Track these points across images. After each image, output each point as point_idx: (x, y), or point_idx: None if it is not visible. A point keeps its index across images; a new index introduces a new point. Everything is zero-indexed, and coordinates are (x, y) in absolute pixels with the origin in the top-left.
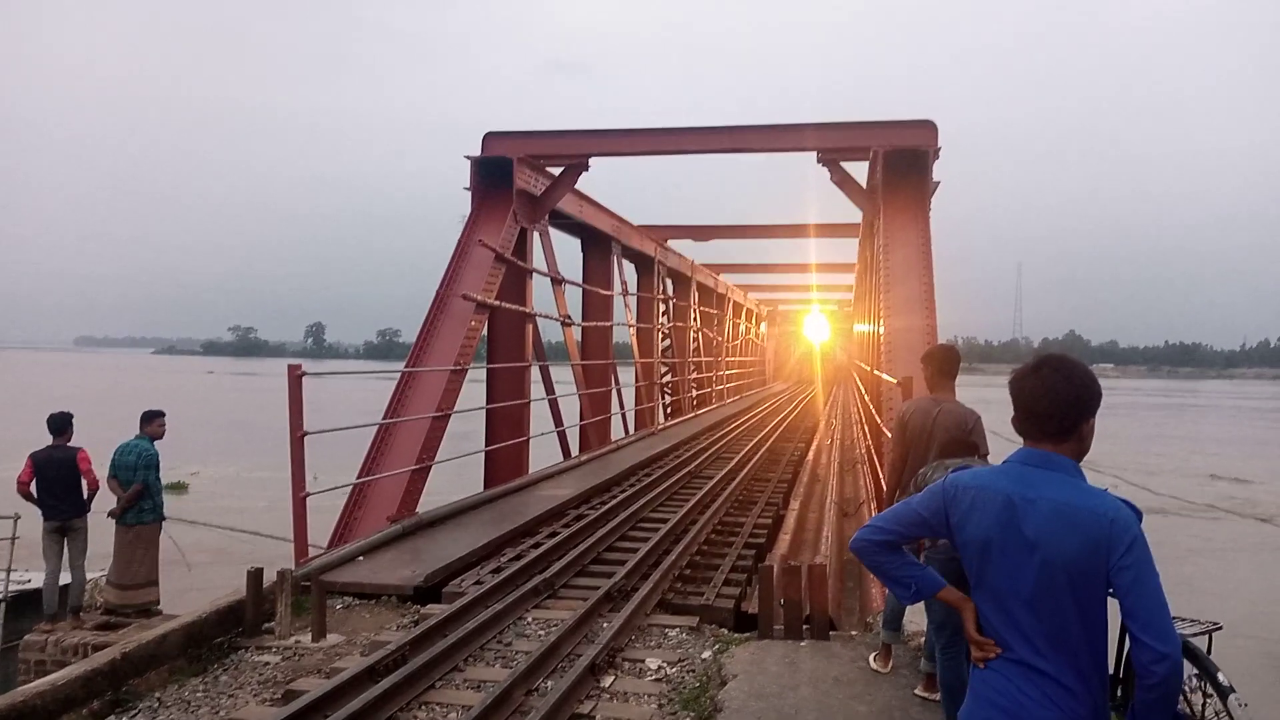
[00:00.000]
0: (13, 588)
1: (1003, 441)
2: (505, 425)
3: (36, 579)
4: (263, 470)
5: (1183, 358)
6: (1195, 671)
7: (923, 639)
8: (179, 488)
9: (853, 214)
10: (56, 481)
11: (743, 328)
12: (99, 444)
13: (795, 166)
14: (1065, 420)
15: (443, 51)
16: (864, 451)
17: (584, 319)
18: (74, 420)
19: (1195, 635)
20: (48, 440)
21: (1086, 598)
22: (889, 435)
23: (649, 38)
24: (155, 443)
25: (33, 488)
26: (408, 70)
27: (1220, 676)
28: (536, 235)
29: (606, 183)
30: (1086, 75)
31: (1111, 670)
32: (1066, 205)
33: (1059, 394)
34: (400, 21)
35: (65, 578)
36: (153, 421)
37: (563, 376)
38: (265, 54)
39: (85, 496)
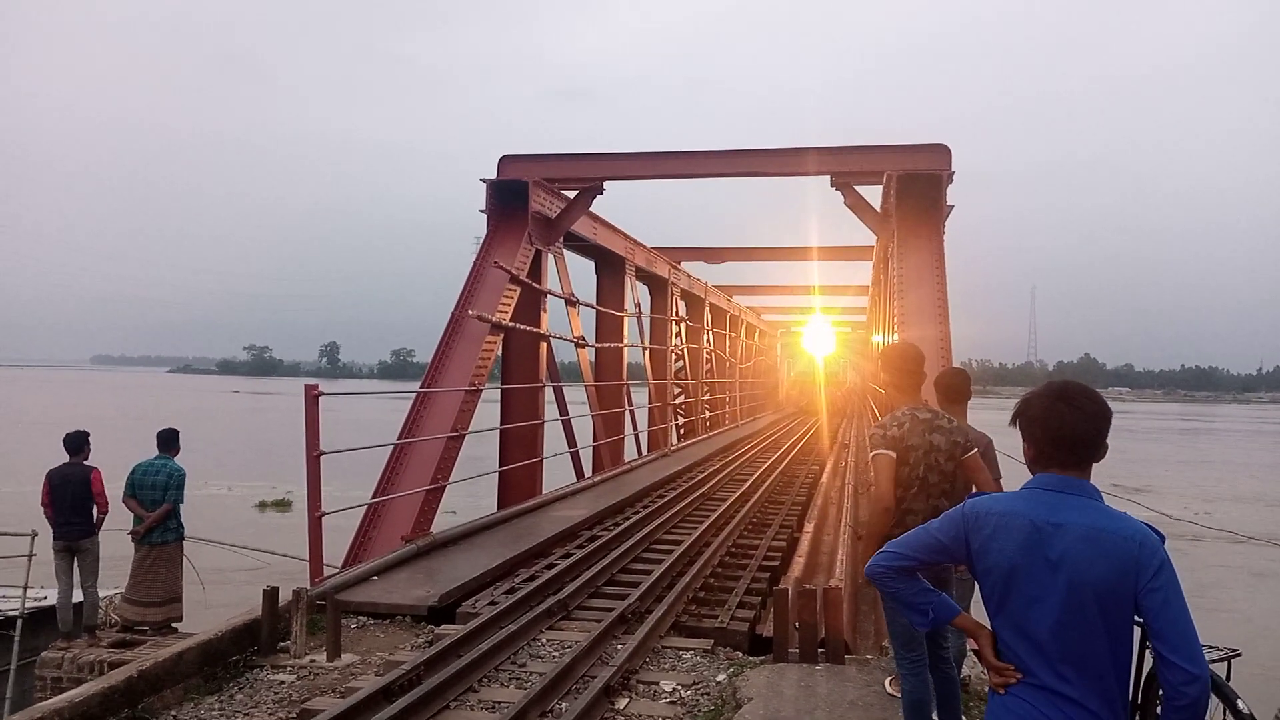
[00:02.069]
0: (29, 604)
1: (1014, 464)
2: (519, 446)
3: (53, 596)
4: (290, 487)
5: (1198, 382)
6: (1216, 699)
7: None
8: (283, 505)
9: (867, 236)
10: (68, 500)
11: (755, 349)
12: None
13: (809, 190)
14: (1097, 447)
15: (454, 79)
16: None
17: (598, 340)
18: (90, 439)
19: (1215, 662)
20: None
21: (1116, 622)
22: None
23: (654, 66)
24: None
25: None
26: (418, 97)
27: (1240, 704)
28: (551, 257)
29: (620, 205)
30: (1102, 110)
31: (1130, 695)
32: (1081, 229)
33: (1098, 421)
34: (410, 51)
35: (77, 596)
36: (174, 442)
37: (576, 397)
38: (276, 82)
39: (94, 519)
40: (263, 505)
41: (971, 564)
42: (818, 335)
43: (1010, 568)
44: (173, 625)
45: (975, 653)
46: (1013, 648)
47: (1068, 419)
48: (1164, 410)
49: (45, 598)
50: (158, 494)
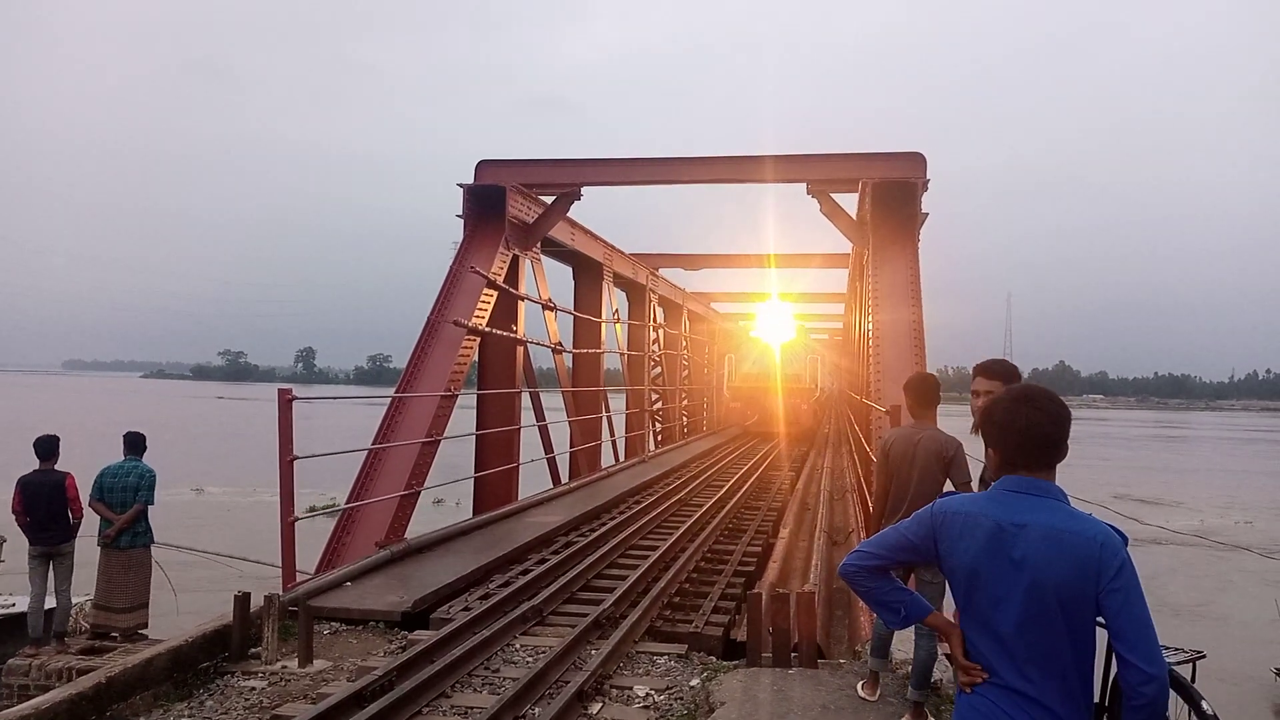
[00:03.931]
0: None
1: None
2: (495, 451)
3: (20, 603)
4: (264, 493)
5: (1172, 389)
6: (1181, 701)
7: (909, 667)
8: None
9: (844, 244)
10: (43, 507)
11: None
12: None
13: (786, 197)
14: (1059, 447)
15: (428, 88)
16: (854, 480)
17: (575, 346)
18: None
19: (1180, 664)
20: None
21: (1077, 621)
22: None
23: (631, 74)
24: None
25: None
26: (392, 105)
27: (1205, 705)
28: (529, 262)
29: (599, 212)
30: (1077, 112)
31: (1097, 698)
32: (1056, 236)
33: (1060, 422)
34: (384, 60)
35: (50, 602)
36: (143, 444)
37: (554, 403)
38: (252, 88)
39: (70, 523)
40: (312, 509)
41: (939, 563)
42: (775, 320)
43: (974, 568)
44: (140, 631)
45: (946, 655)
46: (979, 647)
47: (1031, 420)
48: (1139, 418)
49: (13, 604)
50: (128, 495)
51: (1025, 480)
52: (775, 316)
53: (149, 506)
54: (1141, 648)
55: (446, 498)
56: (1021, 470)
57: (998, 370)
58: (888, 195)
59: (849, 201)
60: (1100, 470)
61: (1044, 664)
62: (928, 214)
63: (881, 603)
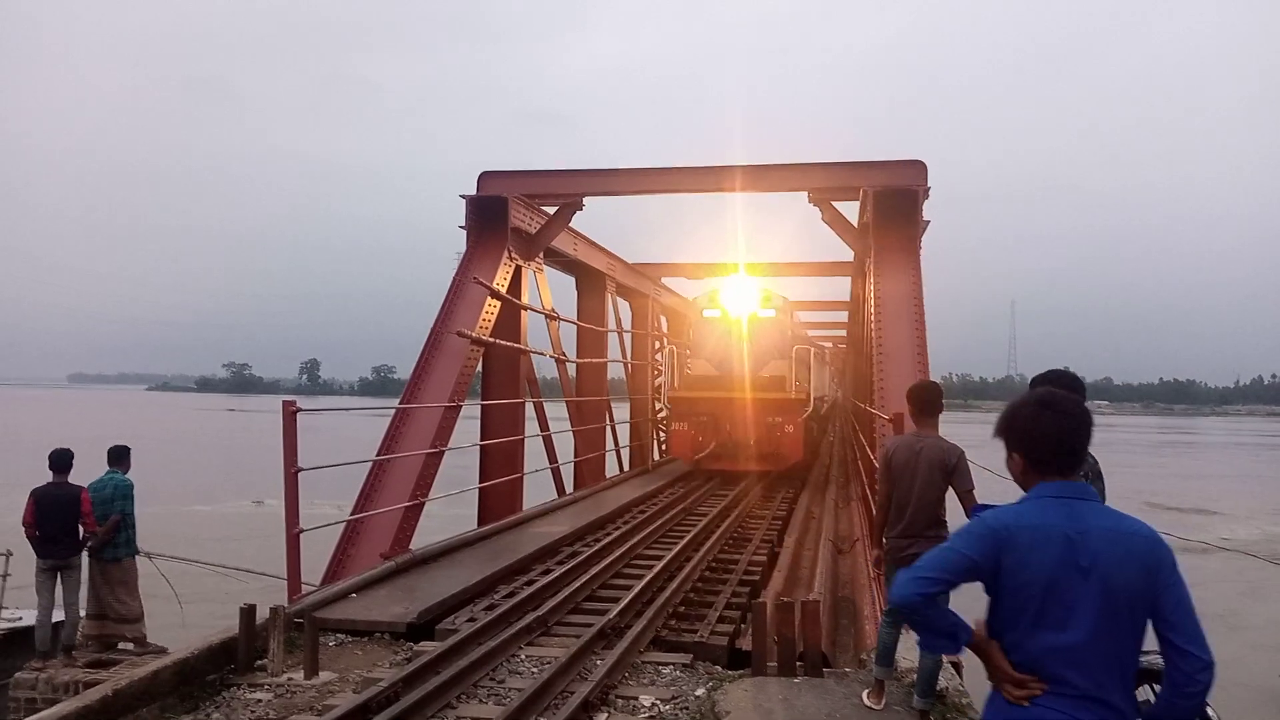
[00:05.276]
0: (4, 625)
1: (990, 476)
2: (499, 462)
3: (28, 616)
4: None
5: (1177, 395)
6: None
7: (915, 675)
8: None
9: (846, 252)
10: (55, 520)
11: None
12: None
13: (789, 206)
14: (1085, 450)
15: (427, 101)
16: (858, 489)
17: (578, 356)
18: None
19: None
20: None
21: (1140, 620)
22: None
23: (626, 87)
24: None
25: None
26: (392, 118)
27: (1210, 711)
28: (531, 273)
29: (602, 221)
30: (1079, 116)
31: None
32: (1059, 242)
33: (1086, 426)
34: (383, 75)
35: (58, 615)
36: (125, 458)
37: (558, 413)
38: (251, 103)
39: (81, 537)
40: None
41: (998, 580)
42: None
43: (1051, 579)
44: (131, 641)
45: (992, 672)
46: (1038, 657)
47: (1065, 427)
48: (1146, 424)
49: (20, 618)
50: (107, 508)
51: (1065, 485)
52: (742, 292)
53: (130, 516)
54: (1198, 637)
55: (451, 509)
56: (1055, 475)
57: (1065, 384)
58: (889, 203)
59: (850, 209)
60: (1128, 477)
61: (1112, 666)
62: (929, 221)
63: (940, 631)
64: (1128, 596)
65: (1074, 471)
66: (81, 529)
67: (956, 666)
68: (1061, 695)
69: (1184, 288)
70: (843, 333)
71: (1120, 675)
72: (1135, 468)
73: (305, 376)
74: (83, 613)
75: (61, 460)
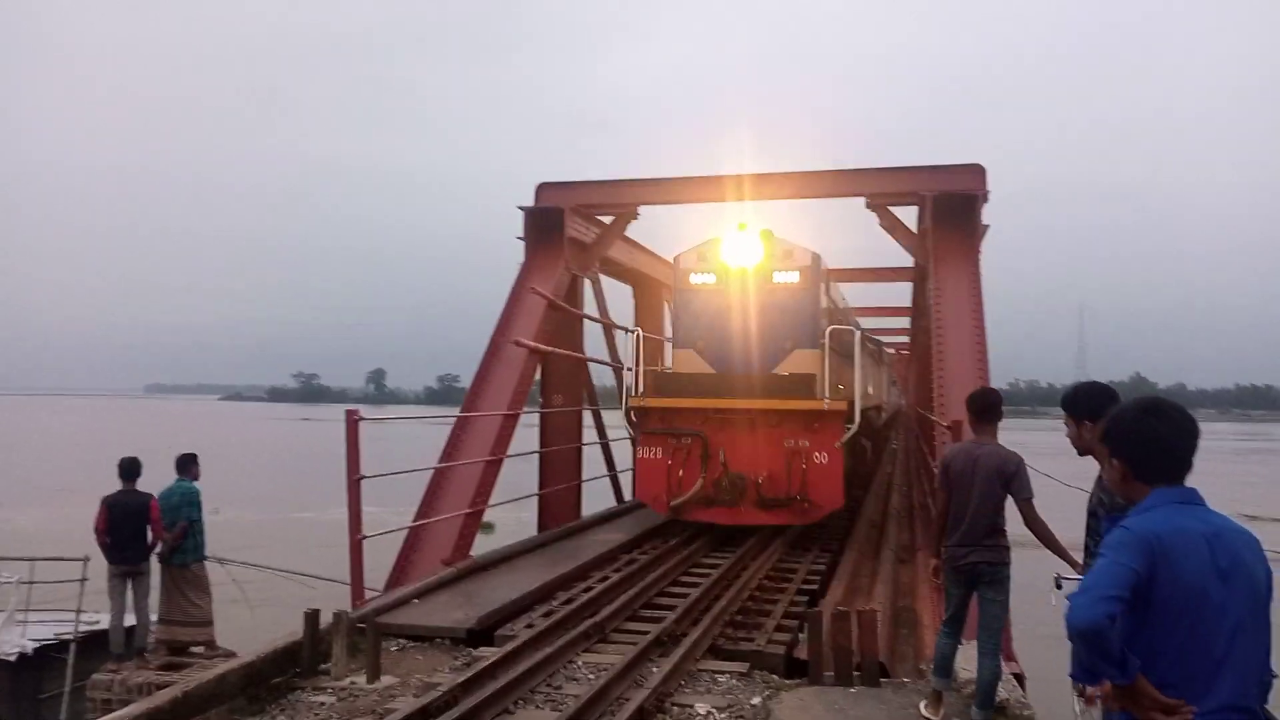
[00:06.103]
0: (82, 628)
1: (1049, 483)
2: (558, 469)
3: (104, 620)
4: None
5: (1255, 400)
6: None
7: (974, 686)
8: (485, 528)
9: (906, 257)
10: (125, 527)
11: None
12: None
13: (848, 210)
14: (1193, 458)
15: (470, 111)
16: (919, 497)
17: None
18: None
19: None
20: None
21: (1271, 619)
22: None
23: (670, 94)
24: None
25: None
26: (453, 129)
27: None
28: (588, 282)
29: (663, 230)
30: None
31: None
32: (1130, 244)
33: (1196, 434)
34: (431, 81)
35: (130, 619)
36: (192, 466)
37: (615, 421)
38: (298, 111)
39: (149, 542)
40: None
41: (1149, 590)
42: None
43: (1202, 586)
44: (201, 644)
45: (1138, 700)
46: (1186, 674)
47: (1181, 433)
48: (1224, 430)
49: (97, 622)
50: (175, 515)
51: (1183, 490)
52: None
53: (198, 523)
54: None
55: (509, 516)
56: (1165, 482)
57: (1100, 395)
58: (947, 208)
59: (909, 215)
60: (1219, 485)
61: (1250, 670)
62: (988, 226)
63: (1113, 658)
64: (1265, 597)
65: (1182, 478)
66: (150, 535)
67: (1019, 678)
68: (1212, 713)
69: (1261, 289)
70: (904, 339)
71: (1259, 680)
72: (1224, 475)
73: (372, 385)
74: (153, 616)
75: (130, 468)
